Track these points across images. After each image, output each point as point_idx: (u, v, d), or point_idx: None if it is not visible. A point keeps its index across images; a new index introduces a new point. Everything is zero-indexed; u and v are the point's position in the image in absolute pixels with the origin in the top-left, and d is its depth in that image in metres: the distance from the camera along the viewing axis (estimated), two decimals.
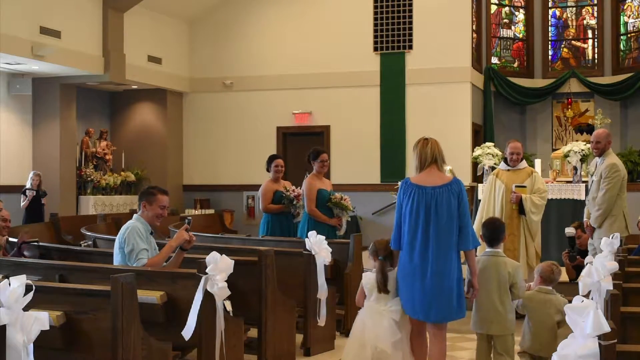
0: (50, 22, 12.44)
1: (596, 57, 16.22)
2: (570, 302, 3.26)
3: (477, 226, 7.36)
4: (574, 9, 16.60)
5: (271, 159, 8.41)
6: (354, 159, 14.82)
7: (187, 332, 4.54)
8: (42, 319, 3.39)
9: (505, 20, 16.53)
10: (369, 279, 5.00)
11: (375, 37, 14.89)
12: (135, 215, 5.56)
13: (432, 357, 4.88)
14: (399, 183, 5.03)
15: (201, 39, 16.10)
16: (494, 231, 5.23)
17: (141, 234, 5.39)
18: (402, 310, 4.86)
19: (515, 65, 16.55)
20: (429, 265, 4.71)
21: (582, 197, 9.64)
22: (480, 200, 8.52)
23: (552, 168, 11.80)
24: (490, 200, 7.74)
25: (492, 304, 5.03)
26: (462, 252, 4.87)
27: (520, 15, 16.65)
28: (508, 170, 7.74)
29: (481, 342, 5.14)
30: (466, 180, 12.39)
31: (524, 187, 7.51)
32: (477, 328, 5.13)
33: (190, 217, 6.05)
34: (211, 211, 14.81)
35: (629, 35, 15.87)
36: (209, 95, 16.07)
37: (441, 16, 14.50)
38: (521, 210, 7.47)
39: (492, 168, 10.30)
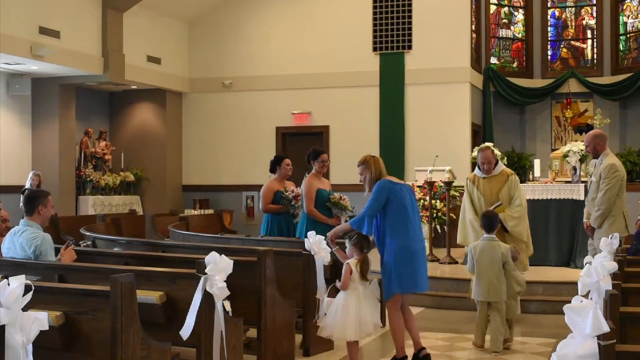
0: (50, 22, 12.44)
1: (595, 57, 16.23)
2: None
3: (461, 227, 7.52)
4: (573, 9, 16.61)
5: (280, 158, 8.30)
6: (353, 159, 14.57)
7: (186, 331, 4.53)
8: (41, 319, 3.39)
9: (504, 21, 16.54)
10: (355, 266, 5.53)
11: (375, 37, 14.89)
12: (27, 222, 5.51)
13: (414, 323, 5.85)
14: (379, 182, 5.70)
15: (201, 39, 16.10)
16: (489, 221, 6.53)
17: (52, 245, 5.51)
18: None
19: (515, 65, 16.56)
20: (420, 245, 5.75)
21: (582, 198, 9.62)
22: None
23: (551, 168, 11.80)
24: (471, 207, 7.44)
25: (489, 278, 6.34)
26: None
27: (520, 16, 16.66)
28: (484, 177, 7.46)
29: (481, 308, 6.42)
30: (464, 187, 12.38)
31: (499, 205, 7.23)
32: (478, 297, 6.40)
33: (72, 238, 6.13)
34: (210, 211, 14.82)
35: (628, 35, 15.88)
36: (209, 96, 16.07)
37: (440, 16, 14.50)
38: (504, 227, 7.16)
39: None
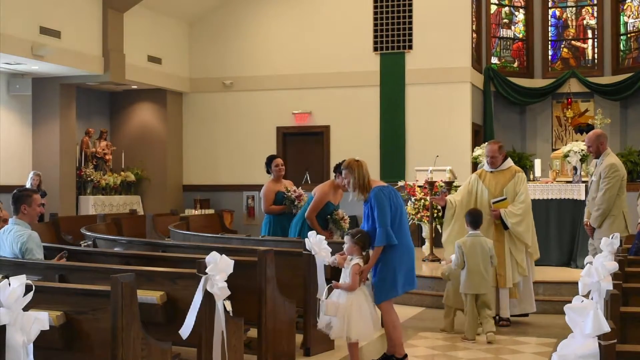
0: (50, 22, 12.45)
1: (596, 57, 16.22)
2: None
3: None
4: (574, 9, 16.60)
5: (270, 159, 8.42)
6: None
7: (185, 330, 4.53)
8: (42, 319, 3.39)
9: (505, 20, 16.53)
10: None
11: (375, 37, 14.89)
12: (15, 221, 5.66)
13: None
14: (374, 192, 5.64)
15: (201, 39, 16.10)
16: (475, 218, 6.92)
17: (39, 243, 5.61)
18: None
19: (515, 65, 16.56)
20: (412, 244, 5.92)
21: (582, 197, 9.62)
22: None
23: (552, 168, 11.79)
24: (470, 202, 7.43)
25: (479, 271, 6.69)
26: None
27: (520, 15, 16.65)
28: (491, 171, 7.43)
29: (471, 301, 6.69)
30: (466, 180, 12.37)
31: (503, 199, 7.20)
32: (468, 290, 6.71)
33: (66, 250, 6.14)
34: (211, 211, 14.81)
35: (628, 35, 15.87)
36: (209, 95, 16.07)
37: (441, 16, 14.50)
38: (505, 224, 7.18)
39: None
